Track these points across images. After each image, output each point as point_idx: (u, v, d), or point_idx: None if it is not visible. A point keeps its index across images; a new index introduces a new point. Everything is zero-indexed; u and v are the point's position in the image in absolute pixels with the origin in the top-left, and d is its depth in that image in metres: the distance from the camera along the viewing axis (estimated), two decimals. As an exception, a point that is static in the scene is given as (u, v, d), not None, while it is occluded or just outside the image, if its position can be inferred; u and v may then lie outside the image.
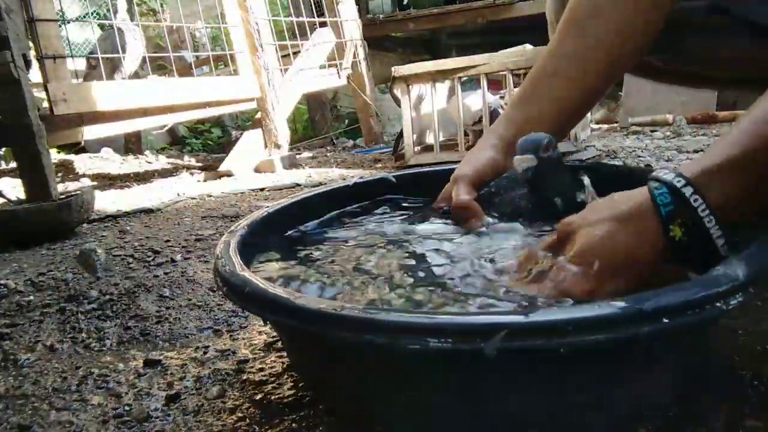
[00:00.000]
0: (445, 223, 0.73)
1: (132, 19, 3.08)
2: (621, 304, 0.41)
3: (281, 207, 0.81)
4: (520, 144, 0.67)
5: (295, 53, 2.85)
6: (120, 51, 2.72)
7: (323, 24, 3.06)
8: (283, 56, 2.75)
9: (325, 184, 1.14)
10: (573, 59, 0.71)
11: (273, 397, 0.62)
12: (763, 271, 0.46)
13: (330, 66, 3.00)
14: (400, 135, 2.27)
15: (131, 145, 3.61)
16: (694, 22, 0.70)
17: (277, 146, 2.50)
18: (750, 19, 0.68)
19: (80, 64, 3.00)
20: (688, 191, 0.47)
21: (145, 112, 2.25)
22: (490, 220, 0.69)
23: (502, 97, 2.23)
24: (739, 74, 0.78)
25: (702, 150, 1.89)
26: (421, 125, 2.29)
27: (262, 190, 1.95)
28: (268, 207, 0.80)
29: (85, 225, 1.53)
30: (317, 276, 0.63)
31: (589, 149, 2.06)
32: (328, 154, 2.98)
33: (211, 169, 2.50)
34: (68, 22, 3.44)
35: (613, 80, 0.75)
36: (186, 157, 3.25)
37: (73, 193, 1.49)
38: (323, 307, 0.46)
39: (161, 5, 4.46)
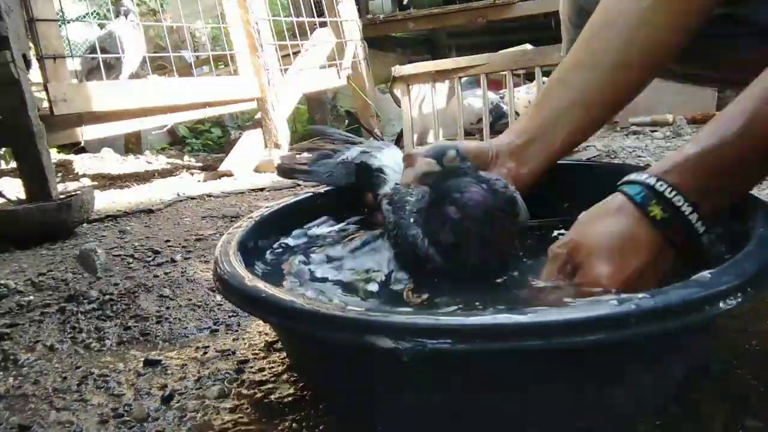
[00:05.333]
0: None
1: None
2: (617, 303, 0.41)
3: (281, 207, 0.81)
4: (430, 148, 0.67)
5: (295, 53, 2.85)
6: (119, 56, 2.72)
7: (323, 24, 3.05)
8: (283, 56, 2.74)
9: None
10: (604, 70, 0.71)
11: (273, 397, 0.62)
12: (763, 271, 0.46)
13: (330, 66, 3.00)
14: (401, 135, 2.27)
15: (131, 145, 3.61)
16: (706, 31, 0.69)
17: (277, 146, 2.50)
18: (760, 25, 0.68)
19: (79, 63, 3.00)
20: (652, 180, 0.53)
21: (145, 112, 2.24)
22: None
23: (502, 97, 2.23)
24: (744, 74, 0.77)
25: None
26: (422, 125, 2.29)
27: (262, 190, 1.95)
28: (269, 206, 0.80)
29: (85, 225, 1.53)
30: (319, 276, 0.63)
31: (589, 149, 2.06)
32: (328, 154, 2.97)
33: (211, 169, 2.50)
34: (68, 22, 3.44)
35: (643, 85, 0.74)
36: (186, 157, 3.25)
37: (73, 193, 1.49)
38: (321, 308, 0.46)
39: (161, 5, 4.46)
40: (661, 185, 0.53)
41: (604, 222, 0.55)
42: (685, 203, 0.52)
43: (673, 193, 0.52)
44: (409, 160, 0.73)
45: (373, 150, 0.78)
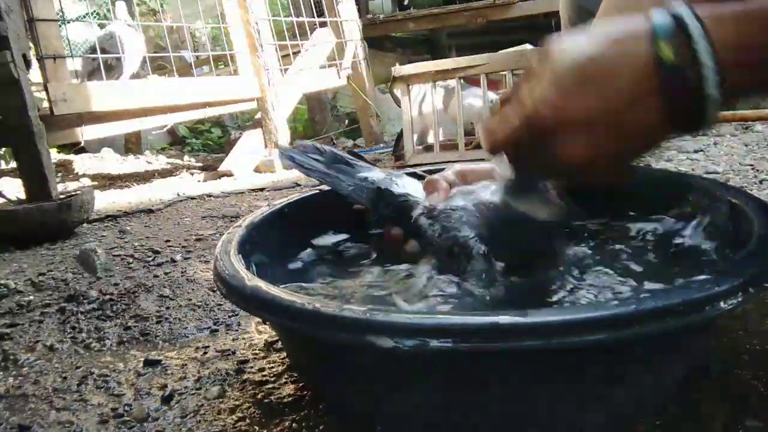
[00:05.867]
0: None
1: (132, 19, 3.08)
2: (617, 303, 0.41)
3: (281, 207, 0.81)
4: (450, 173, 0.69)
5: (295, 53, 2.85)
6: (119, 56, 2.72)
7: (323, 24, 3.05)
8: (283, 56, 2.74)
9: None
10: None
11: (273, 397, 0.62)
12: (763, 271, 0.46)
13: (330, 66, 3.00)
14: (401, 135, 2.27)
15: (131, 145, 3.61)
16: None
17: (277, 146, 2.50)
18: None
19: (79, 64, 3.00)
20: (689, 18, 0.40)
21: (145, 112, 2.24)
22: None
23: (502, 97, 2.23)
24: None
25: (702, 150, 1.89)
26: (422, 125, 2.29)
27: (262, 190, 1.96)
28: (268, 206, 0.80)
29: (85, 225, 1.53)
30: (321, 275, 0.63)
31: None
32: (328, 154, 2.97)
33: (211, 169, 2.50)
34: (68, 22, 3.44)
35: None
36: (186, 157, 3.25)
37: (73, 193, 1.49)
38: (321, 307, 0.46)
39: (161, 5, 4.46)
40: (692, 21, 0.40)
41: (594, 39, 0.43)
42: (709, 58, 0.39)
43: (702, 38, 0.39)
44: (430, 186, 0.69)
45: (393, 176, 0.74)
